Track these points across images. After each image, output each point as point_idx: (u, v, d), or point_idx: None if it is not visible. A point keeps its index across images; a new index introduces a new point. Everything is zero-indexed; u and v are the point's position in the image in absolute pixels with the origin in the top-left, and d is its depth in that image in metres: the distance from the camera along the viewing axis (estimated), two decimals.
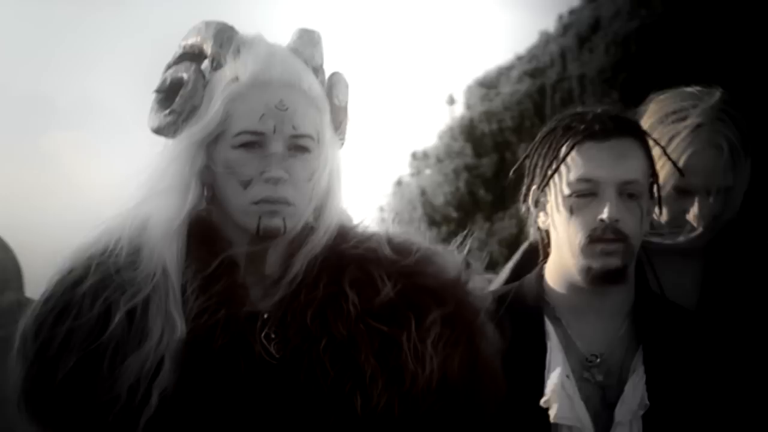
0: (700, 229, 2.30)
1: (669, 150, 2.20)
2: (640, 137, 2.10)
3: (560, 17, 15.95)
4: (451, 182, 15.06)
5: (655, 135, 2.19)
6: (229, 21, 1.87)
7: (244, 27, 1.87)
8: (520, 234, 13.69)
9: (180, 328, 1.73)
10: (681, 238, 2.29)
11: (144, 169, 1.83)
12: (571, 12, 15.70)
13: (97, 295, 1.74)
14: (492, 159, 15.07)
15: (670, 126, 2.30)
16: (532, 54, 16.00)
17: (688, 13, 13.16)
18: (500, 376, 1.85)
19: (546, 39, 16.10)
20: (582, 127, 2.05)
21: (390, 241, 1.86)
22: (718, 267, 2.36)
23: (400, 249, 1.85)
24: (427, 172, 15.85)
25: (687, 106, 2.31)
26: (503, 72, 16.35)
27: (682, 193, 2.28)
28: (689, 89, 2.37)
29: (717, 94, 2.34)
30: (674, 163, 2.19)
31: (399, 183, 15.60)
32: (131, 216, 1.80)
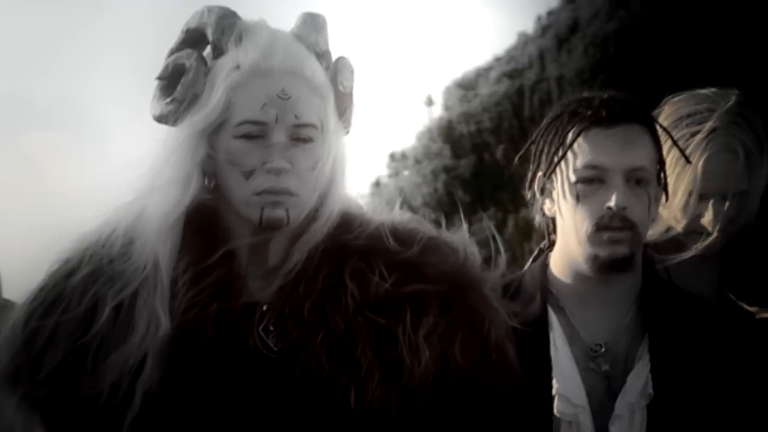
0: (715, 234, 2.27)
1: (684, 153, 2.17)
2: (648, 123, 2.06)
3: (539, 18, 15.96)
4: (429, 183, 15.02)
5: (670, 139, 2.16)
6: (227, 5, 1.83)
7: (243, 12, 1.84)
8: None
9: (164, 324, 1.70)
10: (695, 250, 2.27)
11: (145, 159, 1.81)
12: (550, 13, 15.71)
13: (87, 289, 1.72)
14: (470, 160, 15.06)
15: (684, 130, 2.27)
16: (511, 55, 16.00)
17: (666, 14, 13.18)
18: (512, 360, 1.81)
19: (524, 40, 16.10)
20: (589, 112, 2.02)
21: (394, 230, 1.82)
22: (735, 271, 2.33)
23: (404, 239, 1.81)
24: (406, 173, 15.81)
25: (702, 110, 2.30)
26: (482, 73, 16.35)
27: (698, 197, 2.26)
28: (704, 91, 2.36)
29: (733, 97, 2.33)
30: (682, 152, 2.16)
31: (377, 184, 15.55)
32: (131, 207, 1.78)
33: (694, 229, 2.28)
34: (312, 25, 1.83)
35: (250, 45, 1.76)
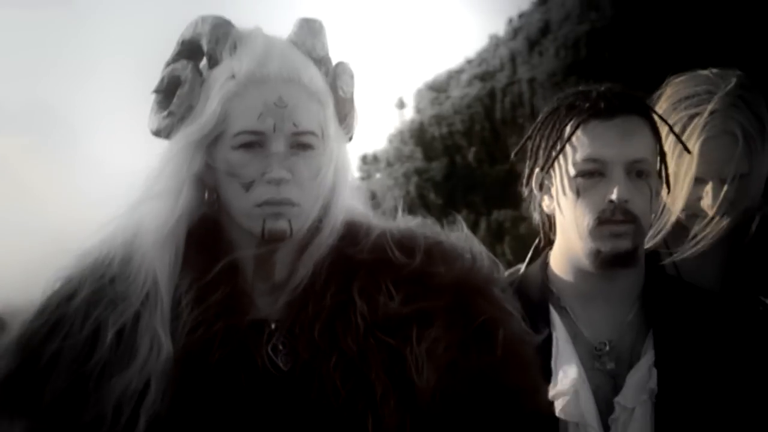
0: (716, 218, 2.23)
1: (683, 137, 2.14)
2: (647, 114, 2.02)
3: (510, 21, 16.00)
4: (401, 186, 14.99)
5: (669, 120, 2.12)
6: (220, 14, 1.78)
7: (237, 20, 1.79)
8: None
9: (166, 346, 1.65)
10: (703, 243, 2.22)
11: (140, 171, 1.76)
12: (521, 15, 15.75)
13: (89, 313, 1.67)
14: (442, 163, 15.07)
15: (683, 112, 2.23)
16: (482, 58, 16.06)
17: (638, 16, 13.22)
18: (529, 359, 1.76)
19: (496, 43, 16.15)
20: (586, 105, 1.97)
21: (398, 239, 1.76)
22: (741, 255, 2.30)
23: (409, 247, 1.75)
24: (378, 176, 15.80)
25: (701, 92, 2.24)
26: (453, 76, 16.38)
27: (696, 180, 2.21)
28: (705, 72, 2.31)
29: (733, 78, 2.28)
30: (680, 140, 2.12)
31: None
32: (125, 220, 1.73)
33: (695, 213, 2.24)
34: (308, 30, 1.78)
35: (245, 53, 1.71)
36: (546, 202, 2.04)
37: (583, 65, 13.66)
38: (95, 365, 1.64)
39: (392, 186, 15.02)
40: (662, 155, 2.03)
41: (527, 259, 2.20)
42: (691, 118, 2.22)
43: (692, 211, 2.23)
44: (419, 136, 15.61)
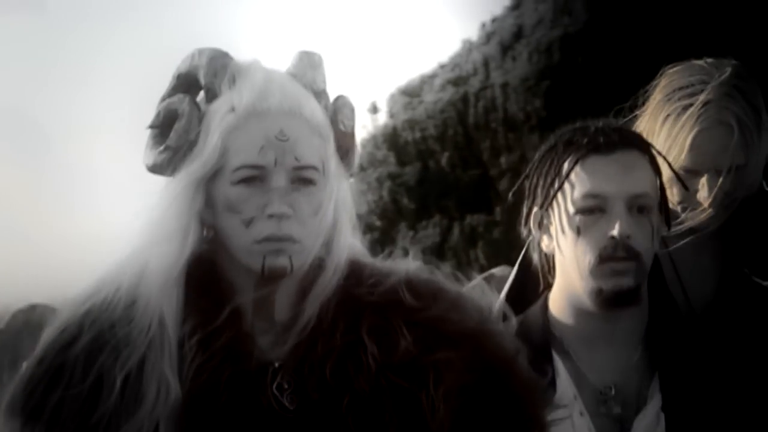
0: (710, 210, 2.19)
1: (676, 129, 2.11)
2: (645, 149, 1.99)
3: (483, 25, 16.01)
4: (374, 191, 14.97)
5: (663, 112, 2.12)
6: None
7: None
8: (443, 243, 13.70)
9: (174, 388, 1.61)
10: (690, 222, 2.18)
11: (140, 213, 1.72)
12: (494, 20, 15.76)
13: (91, 360, 1.63)
14: (415, 167, 15.07)
15: (677, 103, 2.19)
16: (455, 62, 16.06)
17: (611, 21, 13.25)
18: (543, 409, 1.73)
19: (469, 47, 16.15)
20: (585, 140, 1.95)
21: (410, 282, 1.73)
22: (739, 245, 2.25)
23: (421, 293, 1.73)
24: (351, 180, 15.77)
25: (695, 82, 2.20)
26: (426, 80, 16.38)
27: (691, 173, 2.17)
28: (700, 62, 2.27)
29: (728, 68, 2.24)
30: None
31: None
32: (130, 263, 1.69)
33: (692, 206, 2.20)
34: (308, 63, 1.75)
35: (245, 86, 1.68)
36: (545, 242, 2.00)
37: (557, 70, 13.68)
38: (102, 415, 1.60)
39: (365, 191, 14.99)
40: (662, 190, 1.99)
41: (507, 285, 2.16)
42: (685, 108, 2.18)
43: (688, 204, 2.19)
44: (392, 140, 15.59)
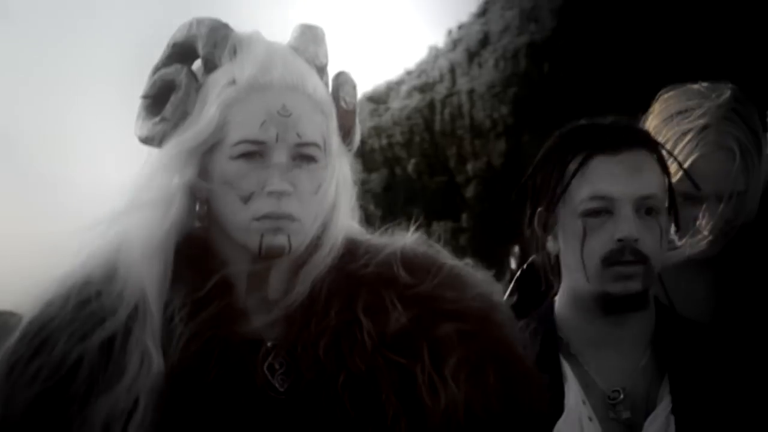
0: (710, 237, 2.13)
1: (675, 153, 2.03)
2: (654, 148, 1.92)
3: (449, 32, 16.04)
4: None
5: (660, 137, 2.04)
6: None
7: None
8: None
9: (156, 361, 1.55)
10: (689, 250, 2.14)
11: (128, 179, 1.66)
12: (460, 26, 15.80)
13: (74, 332, 1.57)
14: (382, 174, 15.09)
15: (675, 128, 2.14)
16: (422, 69, 16.11)
17: (578, 28, 13.30)
18: (543, 388, 1.68)
19: (435, 54, 16.19)
20: (591, 139, 1.89)
21: (406, 258, 1.68)
22: (734, 274, 2.19)
23: (417, 269, 1.68)
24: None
25: (694, 106, 2.16)
26: (392, 87, 16.42)
27: (691, 199, 2.11)
28: (697, 86, 2.23)
29: (727, 91, 2.19)
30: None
31: None
32: (109, 232, 1.63)
33: (691, 234, 2.12)
34: (310, 37, 1.69)
35: (247, 58, 1.62)
36: (550, 243, 1.94)
37: (523, 77, 13.72)
38: (81, 384, 1.55)
39: None
40: (671, 191, 1.93)
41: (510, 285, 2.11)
42: (684, 134, 2.13)
43: (686, 232, 2.12)
44: (359, 147, 15.58)
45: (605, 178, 1.85)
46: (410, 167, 14.99)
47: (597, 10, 13.13)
